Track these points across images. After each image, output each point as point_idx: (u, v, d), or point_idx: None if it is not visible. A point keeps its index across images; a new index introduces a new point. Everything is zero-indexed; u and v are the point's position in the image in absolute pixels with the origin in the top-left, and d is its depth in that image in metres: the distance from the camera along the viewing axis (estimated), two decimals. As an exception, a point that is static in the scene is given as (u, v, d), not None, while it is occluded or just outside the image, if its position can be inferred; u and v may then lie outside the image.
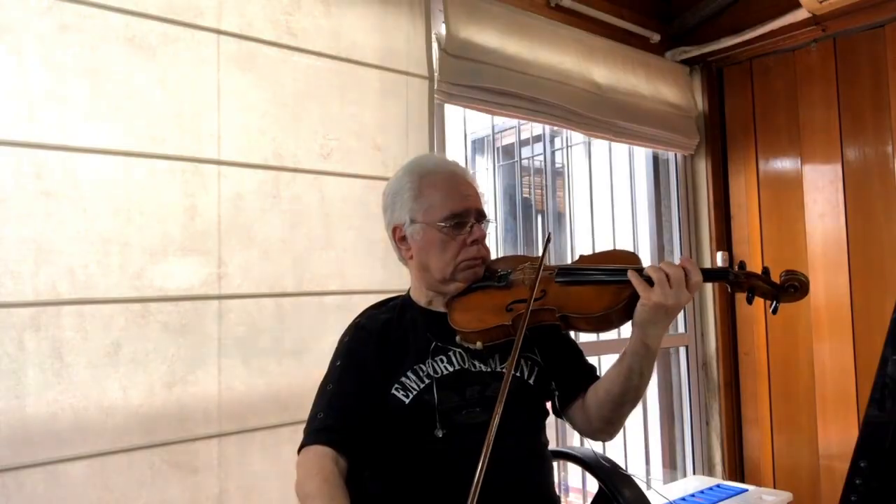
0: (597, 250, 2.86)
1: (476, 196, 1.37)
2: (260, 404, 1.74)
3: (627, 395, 1.27)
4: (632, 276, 1.19)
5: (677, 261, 1.21)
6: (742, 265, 1.24)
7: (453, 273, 1.33)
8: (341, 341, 1.37)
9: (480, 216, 1.35)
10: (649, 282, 1.17)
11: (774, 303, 1.21)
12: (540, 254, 1.33)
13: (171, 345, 1.61)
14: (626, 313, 1.22)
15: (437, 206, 1.32)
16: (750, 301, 1.23)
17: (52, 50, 1.49)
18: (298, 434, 1.73)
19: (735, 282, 1.23)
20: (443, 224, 1.31)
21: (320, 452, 1.20)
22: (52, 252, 1.46)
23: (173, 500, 1.58)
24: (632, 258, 1.33)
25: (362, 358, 1.30)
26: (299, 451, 1.24)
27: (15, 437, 1.40)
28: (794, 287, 1.20)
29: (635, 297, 1.20)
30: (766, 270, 1.23)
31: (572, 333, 1.48)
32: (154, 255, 1.60)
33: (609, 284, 1.24)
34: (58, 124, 1.49)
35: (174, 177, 1.64)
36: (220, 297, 1.69)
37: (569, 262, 1.30)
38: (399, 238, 1.38)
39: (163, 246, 1.61)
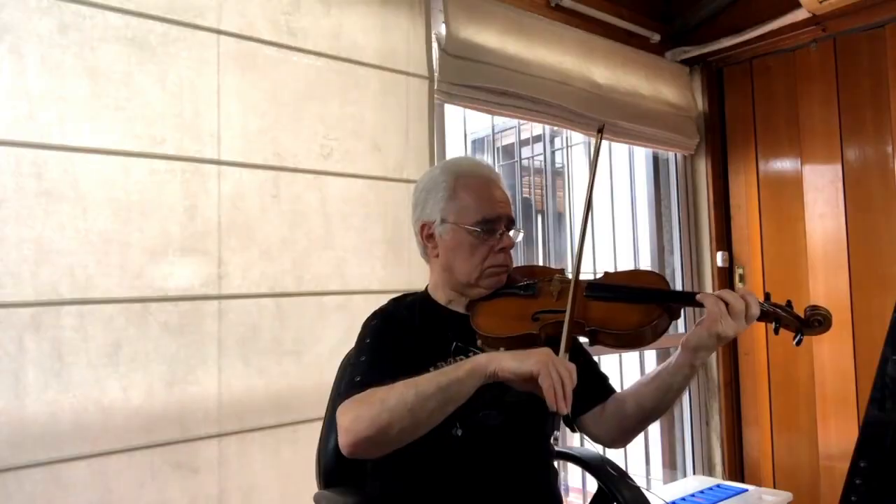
0: (597, 250, 2.88)
1: (508, 203, 1.37)
2: (260, 404, 1.74)
3: (658, 410, 1.29)
4: (706, 298, 1.19)
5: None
6: (768, 296, 1.25)
7: (478, 278, 1.32)
8: (367, 325, 1.35)
9: (510, 223, 1.35)
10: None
11: (798, 336, 1.23)
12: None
13: (171, 345, 1.61)
14: (655, 333, 1.24)
15: (471, 209, 1.32)
16: (776, 332, 1.25)
17: (52, 50, 1.49)
18: (298, 434, 1.73)
19: (763, 312, 1.24)
20: (474, 228, 1.31)
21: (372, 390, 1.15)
22: (52, 252, 1.46)
23: (173, 500, 1.59)
24: (659, 280, 1.33)
25: (391, 337, 1.29)
26: (337, 409, 1.19)
27: (15, 437, 1.40)
28: (818, 321, 1.22)
29: (664, 317, 1.23)
30: (788, 303, 1.25)
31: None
32: (154, 255, 1.60)
33: (640, 303, 1.25)
34: (58, 124, 1.49)
35: (174, 177, 1.64)
36: (220, 297, 1.69)
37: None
38: (426, 235, 1.37)
39: (163, 246, 1.61)
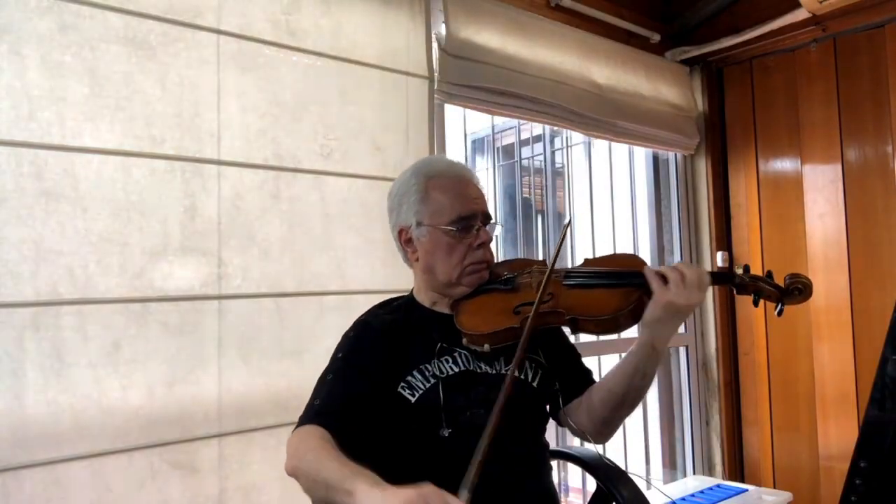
0: (597, 250, 2.88)
1: (482, 198, 1.37)
2: (260, 404, 1.74)
3: (628, 396, 1.28)
4: (647, 271, 1.20)
5: (677, 257, 1.23)
6: (746, 268, 1.26)
7: (459, 277, 1.33)
8: (345, 336, 1.35)
9: (486, 219, 1.35)
10: (663, 280, 1.19)
11: (779, 305, 1.24)
12: (546, 257, 1.34)
13: (171, 345, 1.61)
14: (634, 316, 1.24)
15: (445, 209, 1.32)
16: (756, 303, 1.25)
17: (52, 50, 1.49)
18: (298, 434, 1.71)
19: (740, 284, 1.25)
20: (450, 228, 1.31)
21: (316, 430, 1.17)
22: (52, 252, 1.46)
23: (173, 500, 1.59)
24: (637, 262, 1.33)
25: (366, 352, 1.28)
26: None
27: (15, 437, 1.40)
28: (798, 290, 1.23)
29: (644, 300, 1.22)
30: (769, 273, 1.25)
31: (571, 336, 1.50)
32: (154, 255, 1.60)
33: (617, 287, 1.26)
34: (58, 124, 1.49)
35: (174, 177, 1.64)
36: (220, 297, 1.69)
37: (572, 264, 1.31)
38: (405, 240, 1.37)
39: (163, 246, 1.61)
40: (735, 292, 1.27)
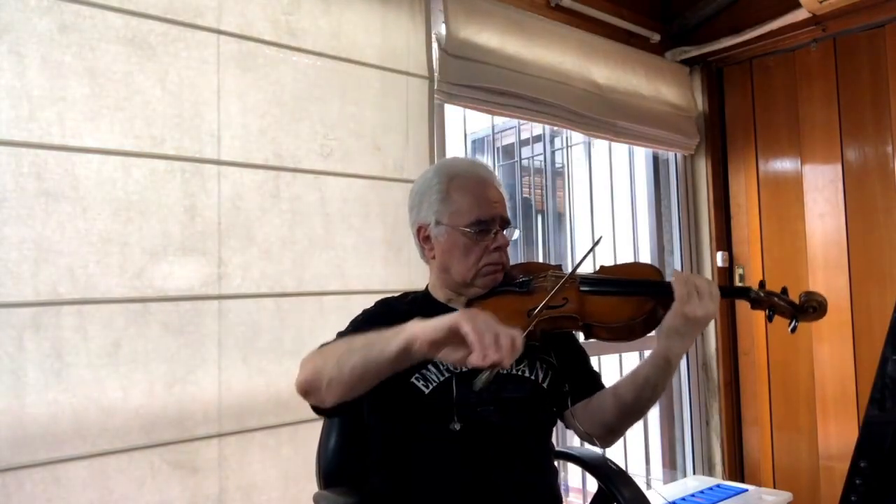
0: (597, 250, 2.87)
1: (503, 203, 1.38)
2: (260, 404, 1.74)
3: (637, 406, 1.29)
4: (676, 282, 1.19)
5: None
6: (762, 284, 1.27)
7: (474, 277, 1.34)
8: (364, 311, 1.37)
9: (504, 223, 1.36)
10: (682, 291, 1.19)
11: (793, 322, 1.25)
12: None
13: (171, 345, 1.61)
14: (647, 325, 1.25)
15: (464, 210, 1.33)
16: (770, 319, 1.25)
17: (52, 50, 1.49)
18: (298, 434, 1.73)
19: (756, 300, 1.26)
20: (468, 229, 1.32)
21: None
22: (52, 252, 1.46)
23: (173, 500, 1.59)
24: (653, 272, 1.34)
25: (382, 321, 1.28)
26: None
27: (15, 437, 1.40)
28: (813, 308, 1.24)
29: (657, 309, 1.23)
30: (784, 290, 1.26)
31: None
32: (154, 255, 1.60)
33: (632, 296, 1.26)
34: (58, 124, 1.49)
35: (174, 177, 1.64)
36: (220, 297, 1.69)
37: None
38: (423, 237, 1.38)
39: (163, 246, 1.61)
40: (750, 307, 1.28)
